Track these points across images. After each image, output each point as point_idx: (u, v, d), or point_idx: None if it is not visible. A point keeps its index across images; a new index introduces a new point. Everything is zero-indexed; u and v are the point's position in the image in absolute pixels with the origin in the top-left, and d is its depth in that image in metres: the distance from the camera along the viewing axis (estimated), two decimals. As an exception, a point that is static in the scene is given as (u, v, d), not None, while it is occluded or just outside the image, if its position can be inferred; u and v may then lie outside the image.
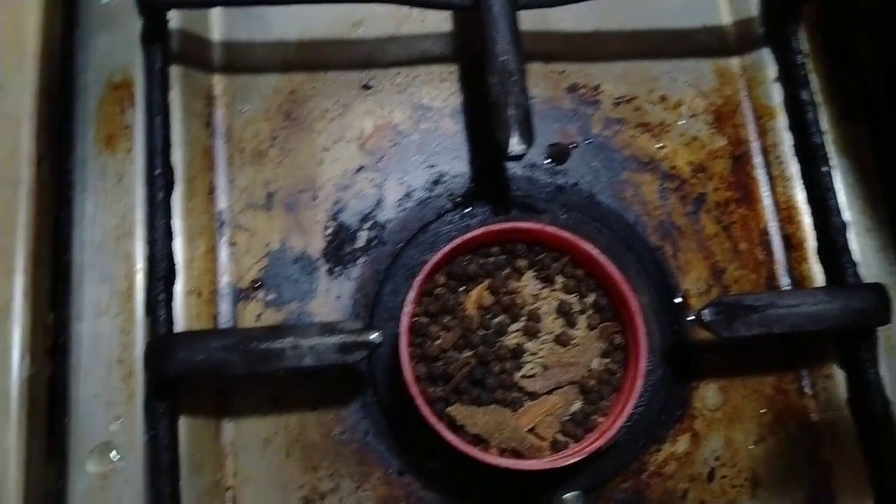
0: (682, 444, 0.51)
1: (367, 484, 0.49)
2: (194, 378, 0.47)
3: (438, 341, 0.47)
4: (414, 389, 0.44)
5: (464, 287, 0.49)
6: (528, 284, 0.49)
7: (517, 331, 0.49)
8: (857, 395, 0.52)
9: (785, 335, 0.50)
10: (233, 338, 0.45)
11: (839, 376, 0.53)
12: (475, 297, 0.49)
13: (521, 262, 0.50)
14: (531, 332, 0.48)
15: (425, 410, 0.44)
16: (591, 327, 0.49)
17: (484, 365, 0.47)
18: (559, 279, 0.50)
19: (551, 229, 0.48)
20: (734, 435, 0.52)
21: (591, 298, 0.50)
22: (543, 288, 0.49)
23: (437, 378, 0.47)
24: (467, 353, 0.47)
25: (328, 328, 0.45)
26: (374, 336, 0.45)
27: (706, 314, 0.48)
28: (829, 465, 0.52)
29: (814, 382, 0.54)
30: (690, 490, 0.51)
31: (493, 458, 0.44)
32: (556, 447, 0.46)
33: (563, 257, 0.50)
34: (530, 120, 0.49)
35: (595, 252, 0.48)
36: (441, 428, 0.44)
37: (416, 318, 0.48)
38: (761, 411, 0.53)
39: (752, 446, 0.52)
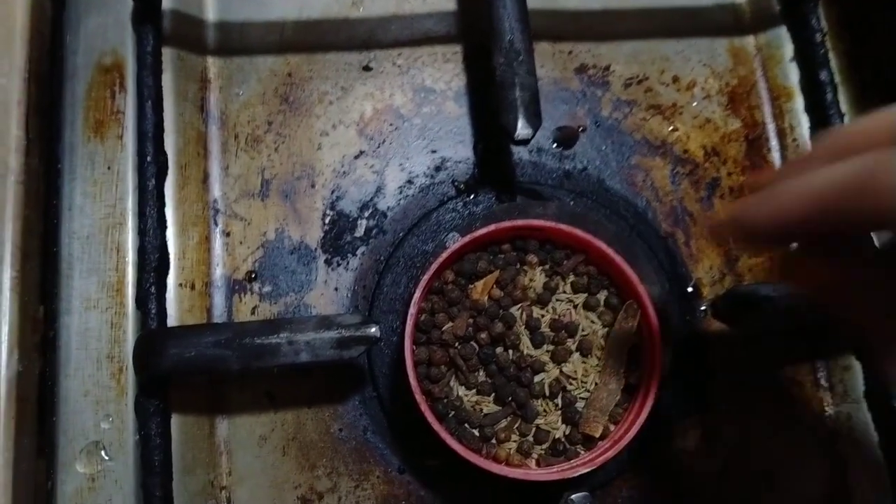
0: (692, 438, 0.50)
1: (366, 482, 0.47)
2: (185, 375, 0.46)
3: (448, 326, 0.45)
4: (419, 396, 0.42)
5: (473, 286, 0.47)
6: (538, 280, 0.47)
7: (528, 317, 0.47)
8: (874, 387, 0.51)
9: (800, 326, 0.48)
10: (226, 333, 0.43)
11: (856, 368, 0.52)
12: (482, 287, 0.46)
13: (532, 258, 0.47)
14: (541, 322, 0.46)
15: (430, 417, 0.42)
16: (604, 325, 0.47)
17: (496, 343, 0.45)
18: (571, 276, 0.47)
19: (566, 227, 0.46)
20: (747, 429, 0.50)
21: (603, 296, 0.47)
22: (554, 283, 0.47)
23: (438, 376, 0.45)
24: (481, 336, 0.45)
25: (325, 322, 0.43)
26: (372, 330, 0.43)
27: (720, 305, 0.46)
28: (845, 460, 0.50)
29: (830, 374, 0.52)
30: (702, 486, 0.49)
31: (499, 468, 0.42)
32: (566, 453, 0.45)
33: (576, 255, 0.48)
34: (538, 102, 0.47)
35: (611, 252, 0.46)
36: (447, 437, 0.42)
37: (421, 316, 0.46)
38: (775, 404, 0.51)
39: (765, 440, 0.50)
